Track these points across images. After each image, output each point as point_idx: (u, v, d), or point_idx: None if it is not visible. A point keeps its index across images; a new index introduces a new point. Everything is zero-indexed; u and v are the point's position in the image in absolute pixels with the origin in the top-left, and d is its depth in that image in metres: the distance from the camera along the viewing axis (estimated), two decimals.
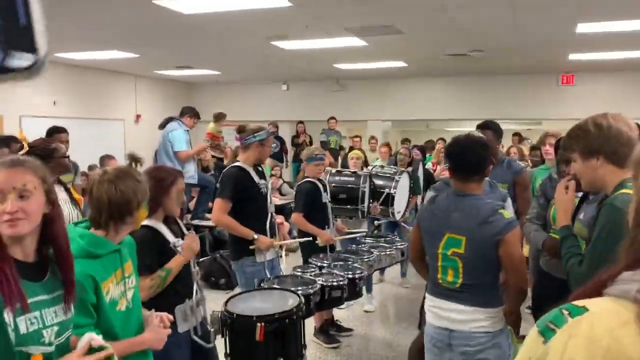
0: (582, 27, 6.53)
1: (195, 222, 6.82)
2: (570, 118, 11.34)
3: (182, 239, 2.65)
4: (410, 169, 6.50)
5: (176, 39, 7.65)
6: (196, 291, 2.68)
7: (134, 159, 2.25)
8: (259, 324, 2.63)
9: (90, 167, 9.18)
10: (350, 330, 5.15)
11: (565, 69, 10.27)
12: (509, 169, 3.93)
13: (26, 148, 3.49)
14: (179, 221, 2.81)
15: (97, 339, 1.68)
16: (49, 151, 3.38)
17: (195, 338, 2.64)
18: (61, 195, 3.41)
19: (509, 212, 2.52)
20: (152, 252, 2.48)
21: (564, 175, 2.94)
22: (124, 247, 2.10)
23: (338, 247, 4.99)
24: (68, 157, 3.55)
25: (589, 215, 2.30)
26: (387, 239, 5.04)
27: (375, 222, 6.15)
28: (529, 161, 7.27)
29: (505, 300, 2.51)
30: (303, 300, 2.92)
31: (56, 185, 3.37)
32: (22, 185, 1.54)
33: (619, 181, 1.98)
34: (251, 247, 3.62)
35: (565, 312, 0.84)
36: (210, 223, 6.40)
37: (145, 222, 2.48)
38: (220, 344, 2.85)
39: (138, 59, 9.55)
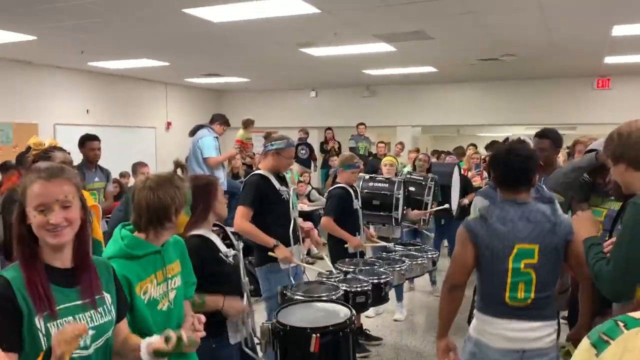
0: (618, 30, 6.37)
1: (227, 228, 6.83)
2: (606, 123, 11.11)
3: (233, 249, 2.73)
4: (435, 176, 6.41)
5: (205, 47, 7.73)
6: (246, 303, 2.69)
7: (178, 165, 2.30)
8: (314, 335, 2.59)
9: (122, 174, 9.35)
10: (379, 339, 5.08)
11: (601, 72, 10.03)
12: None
13: (33, 154, 3.48)
14: (229, 234, 2.92)
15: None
16: (45, 159, 3.32)
17: (247, 350, 2.64)
18: None
19: None
20: (202, 260, 2.49)
21: (588, 183, 2.93)
22: (167, 248, 2.16)
23: (369, 254, 4.96)
24: (68, 164, 3.49)
25: None
26: (418, 247, 4.96)
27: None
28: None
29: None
30: (354, 312, 2.86)
31: None
32: (64, 197, 1.60)
33: None
34: (270, 253, 3.60)
35: (621, 324, 0.80)
36: None
37: (196, 232, 2.57)
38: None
39: (168, 67, 9.69)
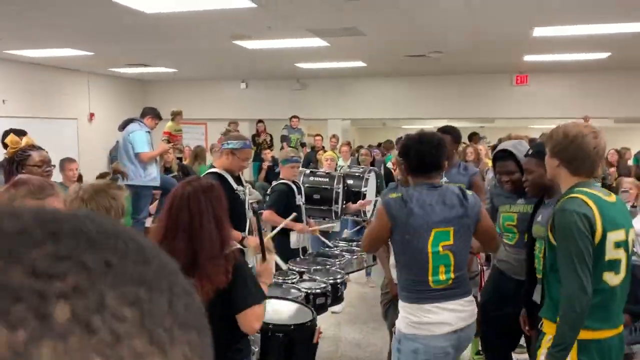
0: (539, 31, 6.75)
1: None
2: (523, 117, 11.80)
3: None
4: (375, 168, 6.61)
5: (134, 37, 7.48)
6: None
7: (117, 171, 2.20)
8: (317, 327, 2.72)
9: None
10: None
11: (520, 69, 10.60)
12: (465, 171, 4.09)
13: (9, 152, 3.37)
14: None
15: None
16: (23, 158, 3.25)
17: None
18: None
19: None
20: None
21: (502, 183, 3.08)
22: None
23: (310, 250, 5.02)
24: (45, 165, 3.36)
25: (546, 217, 2.47)
26: (359, 242, 5.07)
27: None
28: (490, 162, 7.37)
29: None
30: (315, 314, 2.89)
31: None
32: None
33: (569, 185, 2.20)
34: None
35: None
36: None
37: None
38: None
39: (92, 57, 9.27)
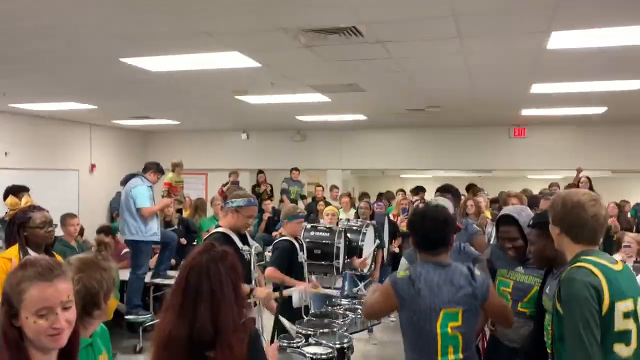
0: (537, 88, 6.88)
1: (158, 280, 6.61)
2: (521, 168, 11.89)
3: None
4: (374, 221, 6.62)
5: (138, 92, 7.59)
6: None
7: (101, 242, 2.18)
8: None
9: None
10: None
11: (517, 122, 10.74)
12: (465, 231, 4.08)
13: (9, 214, 3.37)
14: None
15: None
16: (24, 220, 3.25)
17: None
18: None
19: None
20: None
21: (505, 249, 3.04)
22: (96, 339, 2.00)
23: (312, 309, 4.96)
24: (47, 225, 3.35)
25: (554, 289, 2.45)
26: (363, 300, 5.02)
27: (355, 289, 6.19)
28: (489, 214, 7.38)
29: None
30: None
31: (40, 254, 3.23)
32: (66, 298, 1.48)
33: (574, 254, 2.20)
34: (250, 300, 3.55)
35: None
36: (172, 282, 6.24)
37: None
38: None
39: (96, 110, 9.40)
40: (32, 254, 3.14)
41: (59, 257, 3.44)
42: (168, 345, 1.88)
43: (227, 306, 1.93)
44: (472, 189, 9.83)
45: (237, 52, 5.22)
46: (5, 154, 9.72)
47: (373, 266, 6.47)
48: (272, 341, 2.54)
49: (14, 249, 3.24)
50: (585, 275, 2.07)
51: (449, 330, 2.44)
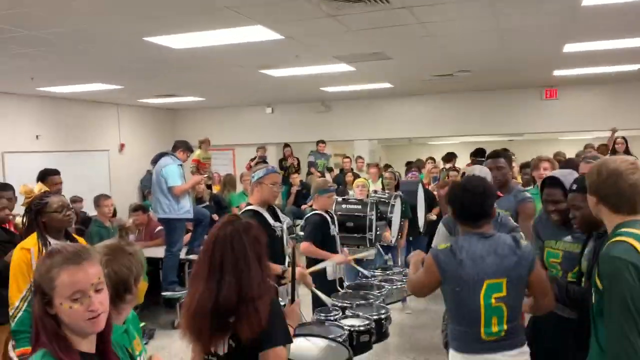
0: (569, 47, 6.65)
1: (192, 256, 6.70)
2: (553, 131, 11.60)
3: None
4: (399, 192, 6.56)
5: (163, 70, 7.59)
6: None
7: (122, 228, 2.17)
8: None
9: (73, 199, 9.02)
10: None
11: (549, 83, 10.44)
12: (514, 197, 3.98)
13: (25, 202, 3.35)
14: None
15: None
16: (41, 206, 3.22)
17: None
18: None
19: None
20: None
21: (549, 212, 2.97)
22: (129, 325, 2.04)
23: (346, 280, 4.97)
24: (65, 209, 3.32)
25: (591, 251, 2.45)
26: (396, 271, 5.01)
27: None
28: (520, 179, 7.21)
29: None
30: (352, 354, 2.83)
31: (61, 240, 3.25)
32: (97, 280, 1.50)
33: (613, 225, 2.09)
34: (282, 283, 3.53)
35: None
36: None
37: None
38: None
39: (122, 90, 9.45)
40: (52, 241, 3.13)
41: (81, 240, 3.50)
42: (195, 314, 1.98)
43: (251, 276, 2.00)
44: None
45: (260, 25, 5.14)
46: (37, 137, 9.89)
47: (400, 236, 6.46)
48: (292, 301, 2.57)
49: (32, 238, 3.20)
50: (625, 251, 1.93)
51: (493, 301, 2.40)
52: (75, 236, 3.58)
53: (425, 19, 5.14)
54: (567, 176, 2.93)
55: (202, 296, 1.97)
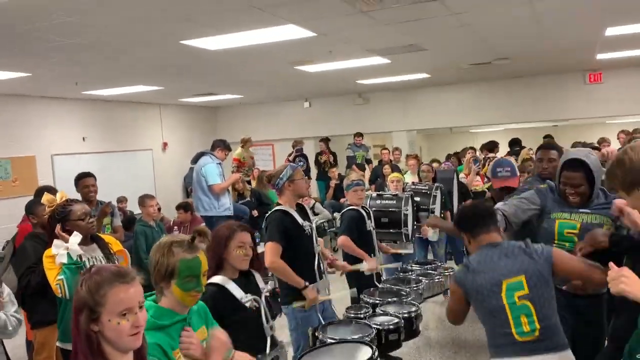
0: (611, 31, 6.43)
1: None
2: (599, 116, 11.23)
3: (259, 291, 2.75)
4: (439, 184, 6.49)
5: (200, 71, 7.74)
6: (269, 347, 2.68)
7: (200, 233, 2.22)
8: None
9: (120, 200, 9.32)
10: (399, 359, 5.10)
11: (593, 67, 10.10)
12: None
13: (48, 211, 3.37)
14: (256, 275, 2.85)
15: None
16: (65, 214, 3.29)
17: None
18: (97, 254, 3.39)
19: None
20: (218, 310, 2.47)
21: (567, 195, 2.91)
22: (192, 315, 2.13)
23: (383, 275, 4.98)
24: (87, 217, 3.39)
25: None
26: (434, 265, 4.99)
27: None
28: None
29: None
30: (377, 353, 2.84)
31: (88, 245, 3.35)
32: (142, 298, 1.59)
33: None
34: (295, 305, 3.56)
35: None
36: None
37: (214, 280, 2.56)
38: None
39: (163, 91, 9.68)
40: (76, 248, 3.16)
41: (110, 239, 3.63)
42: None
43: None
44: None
45: (292, 24, 5.18)
46: (83, 139, 10.24)
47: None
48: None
49: None
50: None
51: (517, 300, 2.40)
52: (103, 235, 3.68)
53: (458, 9, 5.08)
54: (589, 155, 2.88)
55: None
